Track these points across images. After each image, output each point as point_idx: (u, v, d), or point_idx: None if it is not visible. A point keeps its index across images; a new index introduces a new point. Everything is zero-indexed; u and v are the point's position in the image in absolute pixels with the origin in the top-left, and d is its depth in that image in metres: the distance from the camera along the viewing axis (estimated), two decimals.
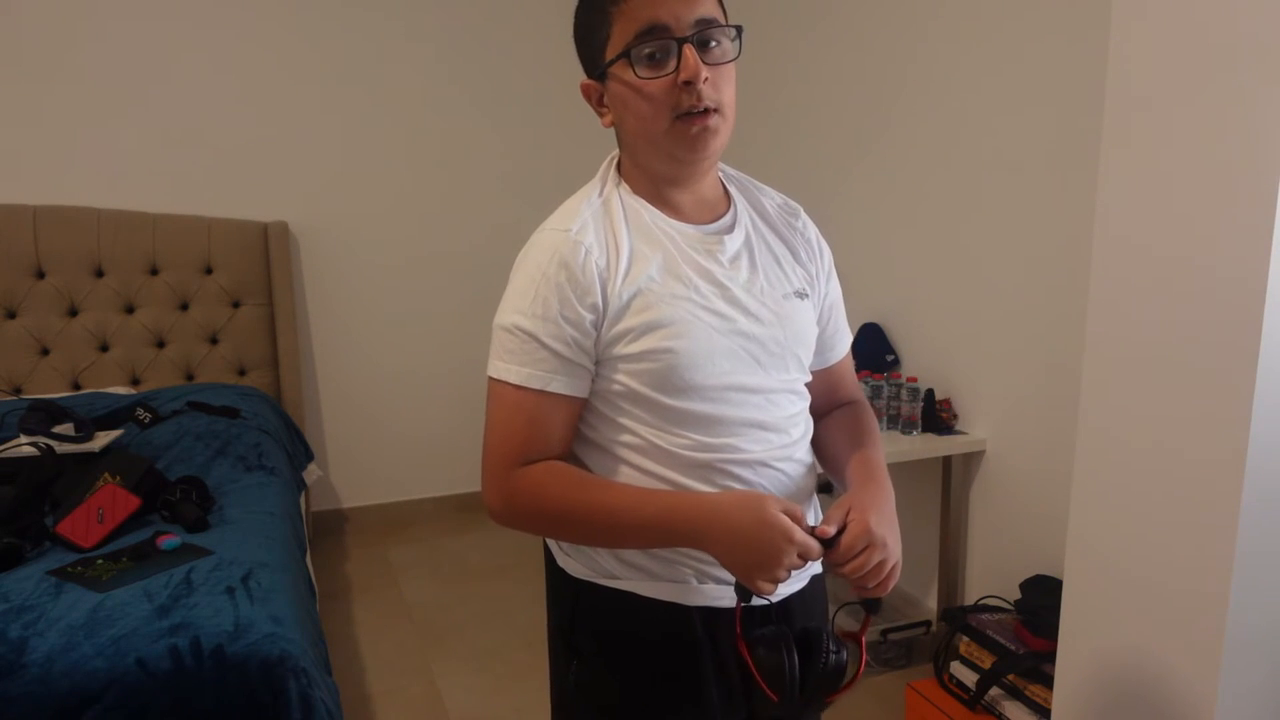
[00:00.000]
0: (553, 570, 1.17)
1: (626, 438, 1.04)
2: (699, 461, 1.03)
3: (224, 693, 1.54)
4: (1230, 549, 1.36)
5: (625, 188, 1.08)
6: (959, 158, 2.52)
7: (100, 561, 1.85)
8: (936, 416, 2.53)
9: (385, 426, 3.73)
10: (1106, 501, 1.55)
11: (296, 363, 3.42)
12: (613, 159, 1.11)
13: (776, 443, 1.07)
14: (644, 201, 1.06)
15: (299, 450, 3.12)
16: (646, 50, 0.97)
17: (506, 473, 1.02)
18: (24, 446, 2.31)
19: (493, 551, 3.49)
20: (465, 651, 2.73)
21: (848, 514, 0.98)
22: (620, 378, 1.02)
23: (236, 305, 3.36)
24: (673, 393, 1.01)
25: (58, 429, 2.41)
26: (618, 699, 1.10)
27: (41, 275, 3.12)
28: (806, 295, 1.13)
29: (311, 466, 3.22)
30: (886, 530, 0.98)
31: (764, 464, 1.06)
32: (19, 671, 1.49)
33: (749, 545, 0.93)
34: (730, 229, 1.09)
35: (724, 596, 1.06)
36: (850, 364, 1.27)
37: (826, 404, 1.23)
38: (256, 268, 3.35)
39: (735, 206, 1.12)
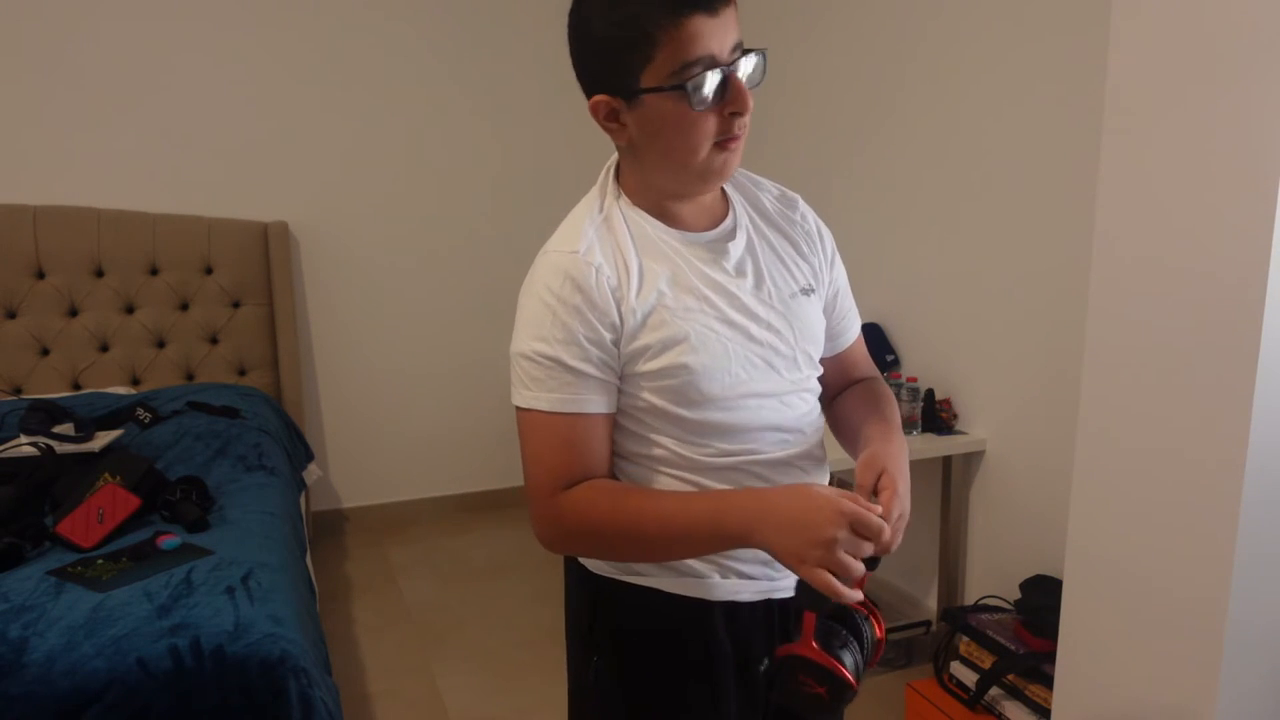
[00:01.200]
0: (572, 568, 1.16)
1: (653, 450, 1.05)
2: (723, 465, 1.04)
3: (224, 693, 1.54)
4: (1230, 550, 1.36)
5: (625, 200, 1.06)
6: (959, 157, 2.52)
7: (100, 561, 1.85)
8: (936, 416, 2.53)
9: (385, 426, 3.73)
10: (1106, 501, 1.55)
11: (296, 363, 3.42)
12: (609, 170, 1.09)
13: (793, 442, 1.08)
14: (645, 214, 1.05)
15: (299, 450, 3.12)
16: (704, 82, 0.93)
17: (552, 499, 1.00)
18: (24, 446, 2.31)
19: (493, 551, 3.49)
20: (465, 651, 2.73)
21: (879, 478, 0.97)
22: (641, 394, 1.02)
23: (236, 305, 3.36)
24: (691, 405, 1.02)
25: (58, 429, 2.41)
26: (638, 695, 1.10)
27: (41, 275, 3.12)
28: (812, 290, 1.13)
29: (311, 466, 3.22)
30: (907, 489, 0.98)
31: (785, 463, 1.07)
32: (19, 671, 1.49)
33: (800, 524, 0.88)
34: (732, 234, 1.09)
35: (744, 590, 1.07)
36: (863, 346, 1.26)
37: (843, 387, 1.23)
38: (256, 268, 3.35)
39: (734, 209, 1.11)
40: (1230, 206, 1.31)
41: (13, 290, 3.08)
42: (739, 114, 0.96)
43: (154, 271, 3.24)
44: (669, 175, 1.03)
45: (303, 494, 3.00)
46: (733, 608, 1.07)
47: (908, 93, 2.68)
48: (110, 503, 2.02)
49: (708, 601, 1.06)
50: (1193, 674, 1.43)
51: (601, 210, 1.06)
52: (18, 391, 3.10)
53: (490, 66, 3.64)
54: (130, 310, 3.24)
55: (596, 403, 1.00)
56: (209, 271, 3.31)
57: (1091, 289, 1.54)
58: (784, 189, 1.19)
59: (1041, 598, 2.10)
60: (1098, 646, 1.59)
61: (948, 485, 2.54)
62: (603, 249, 1.01)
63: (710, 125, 0.96)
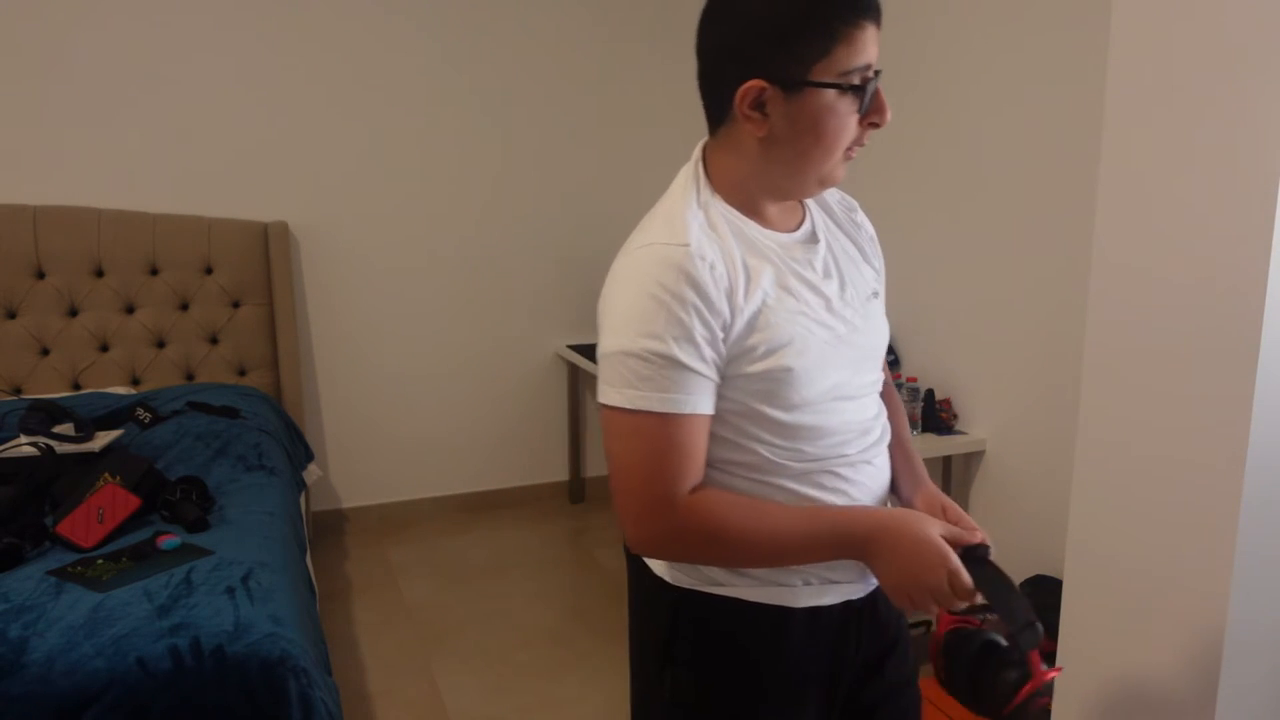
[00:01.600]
0: (645, 579, 1.13)
1: (739, 455, 1.03)
2: (807, 469, 1.04)
3: (224, 693, 1.54)
4: (1230, 549, 1.36)
5: (718, 196, 1.04)
6: (959, 158, 2.52)
7: (100, 561, 1.85)
8: (936, 416, 2.54)
9: (385, 426, 3.73)
10: (1106, 502, 1.55)
11: (296, 363, 3.42)
12: (698, 163, 1.06)
13: (869, 441, 1.09)
14: (736, 211, 1.03)
15: (299, 450, 3.12)
16: (871, 87, 0.96)
17: (667, 507, 0.97)
18: (24, 446, 2.31)
19: (493, 551, 3.49)
20: (465, 651, 2.73)
21: (945, 514, 1.08)
22: (737, 396, 1.00)
23: (236, 305, 3.36)
24: (788, 408, 1.01)
25: (58, 429, 2.41)
26: (718, 706, 1.09)
27: (41, 275, 3.12)
28: (878, 294, 1.14)
29: (311, 466, 3.22)
30: None
31: (864, 462, 1.08)
32: (19, 671, 1.49)
33: (910, 564, 0.95)
34: (814, 237, 1.09)
35: (827, 595, 1.07)
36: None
37: None
38: (256, 268, 3.35)
39: (810, 212, 1.11)
40: (1230, 207, 1.31)
41: (13, 290, 3.08)
42: (878, 125, 0.99)
43: (154, 271, 3.24)
44: (792, 174, 1.01)
45: (303, 494, 3.00)
46: (814, 613, 1.07)
47: (909, 92, 2.68)
48: (110, 503, 2.02)
49: (791, 609, 1.06)
50: (1193, 673, 1.43)
51: (699, 204, 1.02)
52: (18, 391, 3.10)
53: (492, 66, 3.64)
54: (130, 310, 3.24)
55: (706, 404, 0.97)
56: (209, 271, 3.31)
57: (1091, 288, 1.54)
58: (844, 193, 1.19)
59: (1042, 598, 2.10)
60: (1098, 647, 1.59)
61: (948, 485, 2.54)
62: (710, 244, 0.98)
63: (852, 131, 0.98)
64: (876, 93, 0.97)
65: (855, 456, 1.06)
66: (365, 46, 3.46)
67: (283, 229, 3.36)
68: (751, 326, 0.98)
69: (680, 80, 3.92)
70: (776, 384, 0.99)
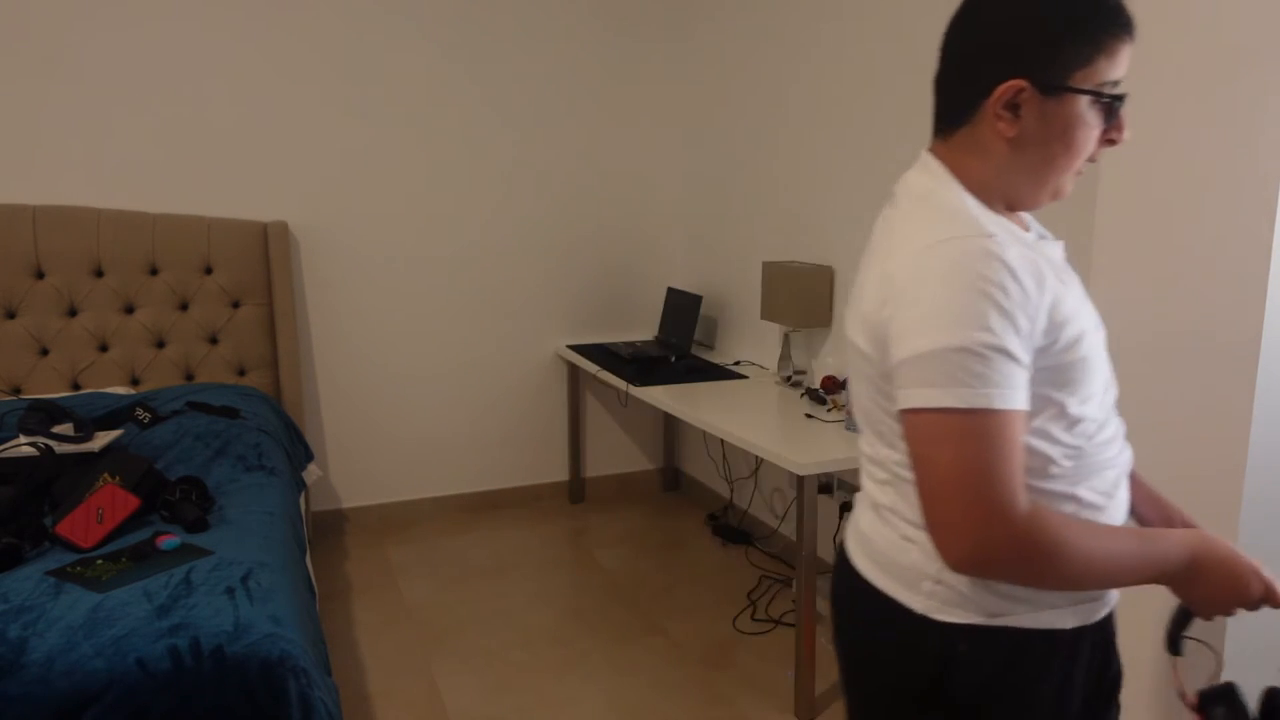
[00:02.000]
0: (896, 618, 1.05)
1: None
2: (1077, 471, 1.00)
3: (224, 693, 1.54)
4: None
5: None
6: None
7: (100, 561, 1.85)
8: None
9: (385, 426, 3.73)
10: None
11: (296, 363, 3.42)
12: (938, 163, 1.03)
13: (1122, 444, 1.06)
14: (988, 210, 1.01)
15: (299, 450, 3.12)
16: (1121, 103, 0.97)
17: (1009, 515, 0.89)
18: (24, 446, 2.31)
19: (493, 551, 3.49)
20: (465, 651, 2.73)
21: None
22: (1035, 389, 0.95)
23: (236, 305, 3.36)
24: (1082, 398, 0.98)
25: (57, 429, 2.41)
26: None
27: (41, 275, 3.12)
28: None
29: (311, 466, 3.22)
30: None
31: (1123, 474, 1.06)
32: (19, 671, 1.49)
33: (1228, 575, 0.98)
34: (1045, 238, 1.09)
35: (1097, 612, 1.05)
36: None
37: None
38: (256, 268, 3.35)
39: (1028, 222, 1.10)
40: (1230, 208, 1.31)
41: (13, 290, 3.08)
42: (1114, 142, 0.99)
43: (154, 271, 3.24)
44: (1033, 180, 1.00)
45: (303, 494, 3.00)
46: (1079, 633, 1.04)
47: (906, 87, 2.68)
48: (110, 503, 2.02)
49: (1061, 631, 1.02)
50: (1194, 675, 1.43)
51: (967, 200, 0.99)
52: (17, 391, 3.10)
53: (493, 66, 3.64)
54: (130, 310, 3.24)
55: (1026, 398, 0.93)
56: (209, 271, 3.31)
57: (1091, 291, 1.54)
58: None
59: None
60: None
61: None
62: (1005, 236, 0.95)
63: (1093, 144, 0.99)
64: (1120, 110, 0.98)
65: (1118, 458, 1.04)
66: (365, 46, 3.46)
67: (282, 229, 3.36)
68: (1051, 317, 0.94)
69: (682, 80, 3.92)
70: (1074, 372, 0.97)
